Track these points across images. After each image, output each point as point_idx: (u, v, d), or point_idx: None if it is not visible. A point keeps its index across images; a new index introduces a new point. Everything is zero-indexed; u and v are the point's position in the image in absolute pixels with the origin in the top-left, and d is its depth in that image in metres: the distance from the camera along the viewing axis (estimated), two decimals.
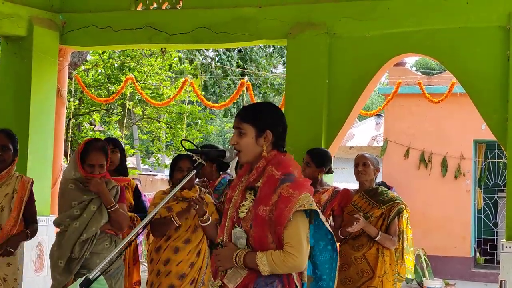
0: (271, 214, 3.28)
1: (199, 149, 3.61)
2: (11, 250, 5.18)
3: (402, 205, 5.89)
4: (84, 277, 3.10)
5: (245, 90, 11.53)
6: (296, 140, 7.00)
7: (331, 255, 3.50)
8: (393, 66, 11.47)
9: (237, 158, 3.62)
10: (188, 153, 3.74)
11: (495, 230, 15.57)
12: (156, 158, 23.80)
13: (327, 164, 6.17)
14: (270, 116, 3.48)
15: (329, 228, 3.47)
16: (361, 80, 7.28)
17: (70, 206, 5.05)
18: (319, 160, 6.12)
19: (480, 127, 13.65)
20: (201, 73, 24.79)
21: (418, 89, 13.58)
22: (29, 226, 5.41)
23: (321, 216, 3.42)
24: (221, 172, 6.48)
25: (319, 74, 7.33)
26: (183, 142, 3.72)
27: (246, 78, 11.62)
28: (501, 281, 5.57)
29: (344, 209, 5.96)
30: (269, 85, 23.67)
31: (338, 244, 5.95)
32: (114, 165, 5.98)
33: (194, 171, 3.51)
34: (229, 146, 3.52)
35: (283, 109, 8.01)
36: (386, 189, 6.05)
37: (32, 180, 5.51)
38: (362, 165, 5.94)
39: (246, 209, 3.37)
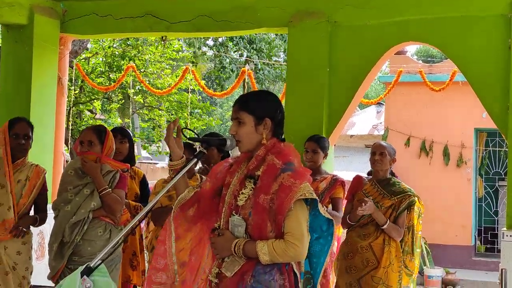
0: (271, 203, 3.28)
1: (200, 137, 3.61)
2: (24, 229, 5.33)
3: (413, 198, 5.84)
4: (85, 265, 3.11)
5: (246, 77, 11.52)
6: (297, 128, 7.01)
7: (321, 248, 3.47)
8: (394, 54, 11.46)
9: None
10: (189, 141, 3.73)
11: (496, 218, 15.58)
12: (158, 146, 23.81)
13: (328, 148, 6.32)
14: (268, 104, 3.48)
15: (328, 216, 3.45)
16: (362, 69, 7.26)
17: (66, 191, 5.10)
18: (325, 146, 6.25)
19: (481, 115, 13.64)
20: (208, 60, 24.71)
21: (419, 77, 13.56)
22: (38, 214, 5.55)
23: (319, 206, 3.42)
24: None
25: (320, 63, 7.31)
26: (184, 130, 3.70)
27: (247, 67, 11.61)
28: (502, 269, 5.58)
29: (355, 196, 5.96)
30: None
31: (344, 231, 5.97)
32: (122, 156, 5.96)
33: (195, 160, 3.50)
34: (230, 135, 3.51)
35: (283, 98, 8.02)
36: (399, 181, 6.00)
37: (46, 170, 5.59)
38: (379, 154, 5.92)
39: (246, 197, 3.36)
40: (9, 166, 5.33)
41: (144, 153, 25.34)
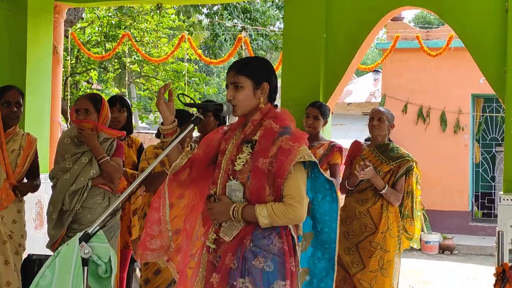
0: (270, 166, 3.30)
1: (196, 103, 3.59)
2: (18, 194, 5.32)
3: (412, 163, 5.88)
4: (84, 231, 3.12)
5: (243, 45, 11.46)
6: (294, 95, 6.99)
7: (330, 206, 3.49)
8: (391, 20, 11.41)
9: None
10: (186, 106, 3.71)
11: (493, 184, 15.64)
12: (155, 116, 23.78)
13: (329, 115, 6.34)
14: (266, 69, 3.50)
15: (327, 177, 3.49)
16: (359, 34, 7.21)
17: (64, 159, 5.09)
18: (326, 113, 6.24)
19: (478, 81, 13.64)
20: (204, 28, 24.51)
21: (416, 43, 13.50)
22: (34, 180, 5.54)
23: (319, 167, 3.44)
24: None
25: (317, 29, 7.26)
26: (180, 96, 3.67)
27: (243, 34, 11.55)
28: (499, 231, 5.59)
29: (353, 161, 5.97)
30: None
31: (343, 196, 5.99)
32: (120, 125, 5.95)
33: (192, 125, 3.49)
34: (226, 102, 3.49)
35: (280, 66, 7.98)
36: (398, 146, 6.03)
37: (37, 138, 5.59)
38: (377, 119, 5.93)
39: (243, 161, 3.37)
40: (1, 136, 5.29)
41: (141, 123, 25.27)
